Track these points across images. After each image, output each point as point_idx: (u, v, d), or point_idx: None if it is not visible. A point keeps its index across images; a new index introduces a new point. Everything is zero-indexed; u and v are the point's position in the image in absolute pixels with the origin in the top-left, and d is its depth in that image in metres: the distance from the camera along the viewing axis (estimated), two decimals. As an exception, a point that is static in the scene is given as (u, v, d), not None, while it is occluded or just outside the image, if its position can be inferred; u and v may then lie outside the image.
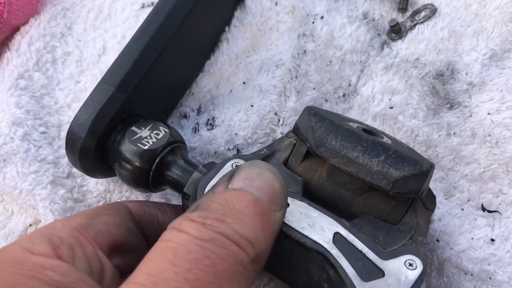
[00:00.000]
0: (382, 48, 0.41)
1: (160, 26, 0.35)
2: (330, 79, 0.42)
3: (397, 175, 0.28)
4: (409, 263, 0.27)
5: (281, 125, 0.40)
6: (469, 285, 0.34)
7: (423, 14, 0.41)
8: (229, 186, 0.26)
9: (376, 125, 0.39)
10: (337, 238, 0.27)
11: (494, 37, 0.40)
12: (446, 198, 0.37)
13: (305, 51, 0.42)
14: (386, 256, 0.27)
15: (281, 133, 0.40)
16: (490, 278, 0.34)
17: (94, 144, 0.32)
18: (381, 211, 0.30)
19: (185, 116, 0.42)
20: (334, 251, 0.27)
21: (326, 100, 0.41)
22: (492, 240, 0.35)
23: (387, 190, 0.29)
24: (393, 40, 0.41)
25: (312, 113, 0.31)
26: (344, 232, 0.28)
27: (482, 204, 0.36)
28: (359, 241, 0.27)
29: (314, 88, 0.41)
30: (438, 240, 0.35)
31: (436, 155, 0.37)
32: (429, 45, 0.40)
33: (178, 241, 0.23)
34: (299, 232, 0.28)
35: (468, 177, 0.37)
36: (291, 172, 0.32)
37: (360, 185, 0.30)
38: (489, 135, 0.37)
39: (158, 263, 0.22)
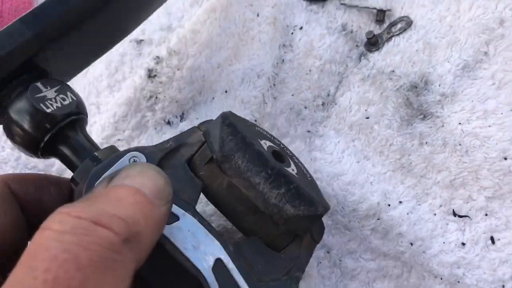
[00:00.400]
0: (360, 60, 0.43)
1: None
2: (310, 87, 0.43)
3: (291, 213, 0.28)
4: None
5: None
6: (439, 288, 0.36)
7: (399, 26, 0.43)
8: (108, 185, 0.24)
9: (353, 133, 0.41)
10: (217, 265, 0.27)
11: (467, 48, 0.42)
12: (419, 204, 0.38)
13: (283, 60, 0.43)
14: None
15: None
16: (459, 282, 0.36)
17: None
18: (269, 234, 0.30)
19: (169, 123, 0.43)
20: (210, 279, 0.26)
21: (305, 107, 0.43)
22: (463, 244, 0.37)
23: (278, 224, 0.29)
24: (371, 51, 0.43)
25: (226, 122, 0.30)
26: (225, 259, 0.27)
27: (453, 210, 0.38)
28: (237, 271, 0.27)
29: (292, 95, 0.43)
30: (411, 244, 0.37)
31: (410, 163, 0.39)
32: (404, 57, 0.42)
33: (39, 241, 0.20)
34: (182, 254, 0.26)
35: (440, 184, 0.39)
36: (193, 173, 0.30)
37: (255, 206, 0.30)
38: (460, 144, 0.39)
39: (18, 273, 0.19)
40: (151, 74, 0.45)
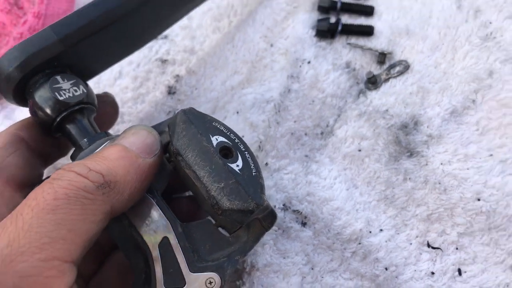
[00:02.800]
0: (359, 96, 0.47)
1: (122, 2, 0.37)
2: (311, 116, 0.48)
3: (226, 206, 0.32)
4: (210, 281, 0.32)
5: (261, 151, 0.46)
6: (406, 310, 0.41)
7: (397, 69, 0.47)
8: (107, 145, 0.32)
9: (345, 163, 0.45)
10: (164, 243, 0.32)
11: (457, 95, 0.46)
12: (398, 233, 0.43)
13: (289, 90, 0.48)
14: (195, 269, 0.32)
15: (261, 161, 0.46)
16: (424, 306, 0.40)
17: (20, 77, 0.34)
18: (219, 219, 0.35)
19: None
20: (155, 254, 0.32)
21: (306, 134, 0.47)
22: (433, 273, 0.42)
23: (217, 214, 0.33)
24: (369, 89, 0.47)
25: (182, 119, 0.35)
26: (172, 238, 0.32)
27: (427, 241, 0.43)
28: (180, 250, 0.32)
29: (295, 121, 0.47)
30: (386, 269, 0.42)
31: (393, 195, 0.44)
32: (398, 98, 0.46)
33: (41, 185, 0.28)
34: (136, 230, 0.33)
35: (418, 217, 0.43)
36: (166, 158, 0.36)
37: (202, 195, 0.34)
38: (439, 183, 0.43)
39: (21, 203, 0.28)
40: (171, 91, 0.50)
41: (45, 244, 0.26)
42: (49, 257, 0.26)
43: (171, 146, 0.34)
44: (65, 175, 0.29)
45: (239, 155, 0.35)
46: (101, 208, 0.29)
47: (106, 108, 0.42)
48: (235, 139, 0.36)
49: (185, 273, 0.32)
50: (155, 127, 0.37)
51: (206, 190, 0.33)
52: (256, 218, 0.34)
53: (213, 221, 0.35)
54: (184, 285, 0.32)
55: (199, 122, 0.35)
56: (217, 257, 0.33)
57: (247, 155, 0.36)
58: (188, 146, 0.34)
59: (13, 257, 0.25)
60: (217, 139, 0.35)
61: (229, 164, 0.34)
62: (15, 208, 0.27)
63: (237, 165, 0.34)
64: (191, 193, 0.40)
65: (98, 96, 0.41)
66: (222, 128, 0.36)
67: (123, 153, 0.32)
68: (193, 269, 0.32)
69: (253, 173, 0.35)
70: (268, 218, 0.35)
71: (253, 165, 0.35)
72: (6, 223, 0.26)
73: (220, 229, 0.35)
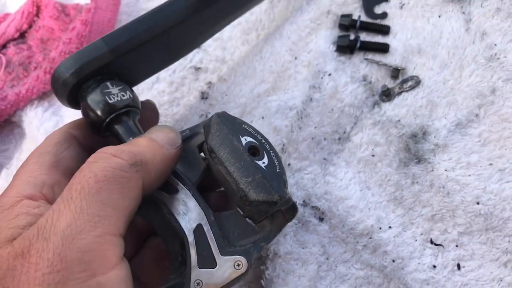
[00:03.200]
0: (373, 107, 0.53)
1: (168, 17, 0.42)
2: (330, 123, 0.53)
3: (253, 198, 0.36)
4: (238, 263, 0.36)
5: (284, 152, 0.52)
6: (410, 298, 0.46)
7: (409, 83, 0.53)
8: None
9: (359, 167, 0.51)
10: (198, 229, 0.36)
11: (462, 109, 0.51)
12: (404, 231, 0.48)
13: (311, 99, 0.53)
14: (225, 253, 0.36)
15: (285, 162, 0.51)
16: (426, 294, 0.46)
17: (74, 83, 0.38)
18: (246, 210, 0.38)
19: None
20: (191, 239, 0.36)
21: (325, 139, 0.53)
22: (434, 266, 0.47)
23: (245, 205, 0.37)
24: (383, 101, 0.53)
25: (216, 121, 0.39)
26: (205, 225, 0.37)
27: (431, 238, 0.48)
28: (212, 235, 0.36)
29: (315, 127, 0.53)
30: (393, 261, 0.47)
31: (402, 197, 0.49)
32: (409, 110, 0.52)
33: (81, 168, 0.32)
34: (174, 217, 0.37)
35: (423, 217, 0.48)
36: (200, 156, 0.41)
37: (232, 189, 0.38)
38: (443, 187, 0.48)
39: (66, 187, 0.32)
40: (203, 96, 0.56)
41: (97, 223, 0.30)
42: (102, 233, 0.30)
43: (206, 145, 0.39)
44: (101, 157, 0.33)
45: (265, 154, 0.39)
46: (136, 185, 0.33)
47: (147, 113, 0.46)
48: (261, 139, 0.40)
49: (216, 256, 0.36)
50: (191, 129, 0.42)
51: (236, 184, 0.37)
52: (279, 210, 0.38)
53: (241, 212, 0.39)
54: (216, 266, 0.36)
55: (231, 124, 0.39)
56: (244, 243, 0.37)
57: (272, 154, 0.40)
58: (221, 145, 0.38)
59: (73, 235, 0.29)
60: (246, 139, 0.39)
61: (256, 162, 0.38)
62: (63, 192, 0.31)
63: (263, 162, 0.39)
64: (221, 189, 0.45)
65: (142, 102, 0.46)
66: (250, 130, 0.41)
67: (150, 142, 0.36)
68: (224, 252, 0.36)
69: (277, 170, 0.39)
70: (290, 210, 0.39)
71: (277, 163, 0.40)
72: (60, 207, 0.30)
73: (247, 219, 0.39)
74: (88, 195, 0.30)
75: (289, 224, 0.48)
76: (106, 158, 0.33)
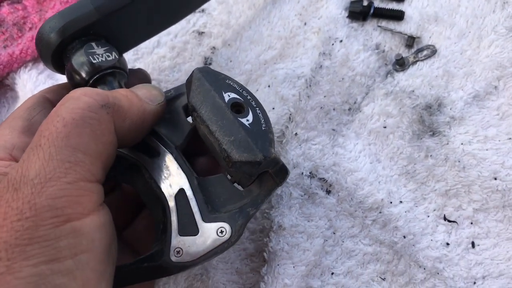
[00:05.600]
0: (386, 77, 0.50)
1: None
2: (340, 93, 0.50)
3: (236, 158, 0.33)
4: (221, 230, 0.34)
5: (291, 122, 0.49)
6: (421, 276, 0.43)
7: (425, 52, 0.50)
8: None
9: (370, 138, 0.48)
10: (180, 194, 0.35)
11: (480, 80, 0.48)
12: (416, 206, 0.46)
13: (321, 66, 0.51)
14: (208, 219, 0.34)
15: (291, 131, 0.49)
16: (438, 273, 0.43)
17: (58, 42, 0.37)
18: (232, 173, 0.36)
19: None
20: (172, 204, 0.34)
21: (334, 109, 0.50)
22: (448, 244, 0.44)
23: (229, 166, 0.34)
24: (397, 71, 0.50)
25: (197, 76, 0.36)
26: (188, 189, 0.35)
27: (444, 215, 0.45)
28: (194, 201, 0.34)
29: (324, 96, 0.50)
30: (404, 237, 0.44)
31: (414, 171, 0.46)
32: (424, 80, 0.49)
33: (50, 114, 0.31)
34: (155, 181, 0.35)
35: (437, 192, 0.46)
36: (185, 118, 0.39)
37: (215, 149, 0.36)
38: (459, 161, 0.45)
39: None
40: (207, 62, 0.53)
41: (68, 169, 0.28)
42: (74, 179, 0.28)
43: (188, 103, 0.37)
44: (71, 98, 0.31)
45: (250, 110, 0.37)
46: (108, 128, 0.31)
47: (136, 82, 0.43)
48: (247, 96, 0.38)
49: (199, 222, 0.34)
50: (177, 88, 0.40)
51: (218, 144, 0.34)
52: (268, 173, 0.35)
53: (229, 177, 0.36)
54: (197, 233, 0.34)
55: (213, 80, 0.37)
56: (230, 209, 0.35)
57: (258, 111, 0.37)
58: (202, 102, 0.35)
59: (43, 183, 0.27)
60: (229, 96, 0.36)
61: (239, 119, 0.35)
62: (33, 140, 0.30)
63: (247, 120, 0.36)
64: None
65: (133, 70, 0.43)
66: (235, 85, 0.38)
67: (129, 92, 0.35)
68: (206, 219, 0.34)
69: (263, 128, 0.36)
70: (279, 172, 0.35)
71: (263, 120, 0.37)
72: (30, 156, 0.29)
73: (236, 185, 0.37)
74: (57, 141, 0.29)
75: (295, 195, 0.45)
76: (76, 98, 0.31)
